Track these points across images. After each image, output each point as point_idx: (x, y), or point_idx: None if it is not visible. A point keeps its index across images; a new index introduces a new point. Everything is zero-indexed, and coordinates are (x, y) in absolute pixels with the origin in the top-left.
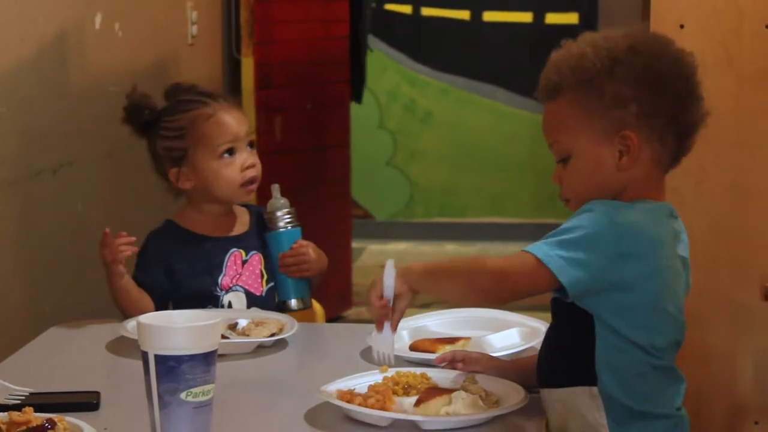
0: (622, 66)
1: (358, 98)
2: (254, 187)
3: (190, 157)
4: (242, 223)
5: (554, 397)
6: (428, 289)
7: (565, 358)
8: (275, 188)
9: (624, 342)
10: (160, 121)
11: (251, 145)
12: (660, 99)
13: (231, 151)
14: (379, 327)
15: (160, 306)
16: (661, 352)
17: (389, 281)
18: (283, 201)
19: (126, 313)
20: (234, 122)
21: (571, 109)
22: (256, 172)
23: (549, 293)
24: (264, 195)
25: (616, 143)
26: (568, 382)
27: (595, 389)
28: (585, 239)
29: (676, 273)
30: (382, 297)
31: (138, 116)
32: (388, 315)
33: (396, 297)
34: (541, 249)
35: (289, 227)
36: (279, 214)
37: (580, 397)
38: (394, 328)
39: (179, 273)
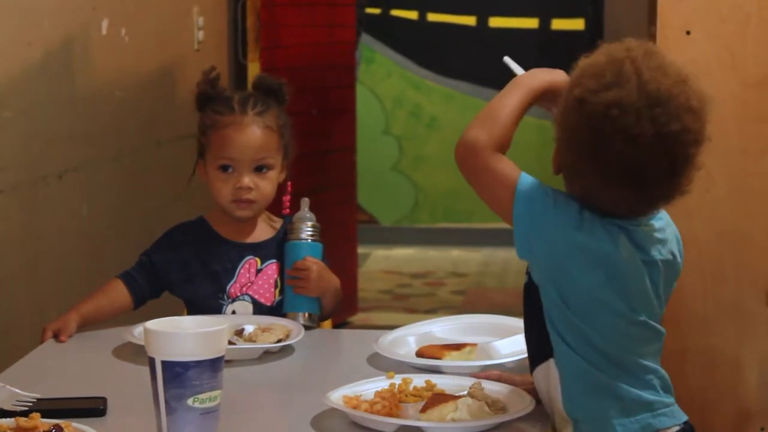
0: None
1: None
2: (247, 205)
3: (206, 155)
4: (269, 230)
5: (534, 377)
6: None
7: (536, 336)
8: (305, 201)
9: (562, 310)
10: (205, 109)
11: (260, 168)
12: None
13: (226, 168)
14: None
15: (139, 289)
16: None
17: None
18: (310, 215)
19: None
20: (241, 142)
21: None
22: (250, 195)
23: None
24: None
25: None
26: (541, 359)
27: (551, 361)
28: (563, 196)
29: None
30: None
31: (201, 93)
32: None
33: None
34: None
35: (309, 240)
36: (301, 225)
37: (546, 371)
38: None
39: (191, 268)
